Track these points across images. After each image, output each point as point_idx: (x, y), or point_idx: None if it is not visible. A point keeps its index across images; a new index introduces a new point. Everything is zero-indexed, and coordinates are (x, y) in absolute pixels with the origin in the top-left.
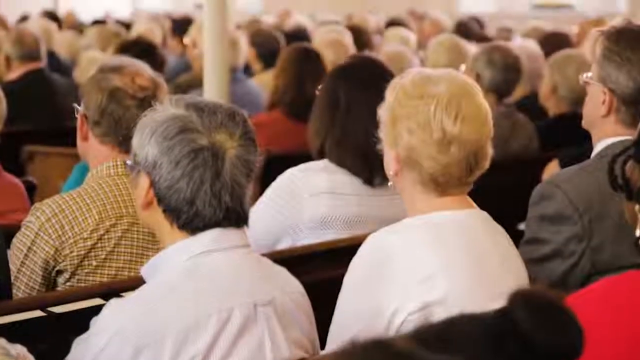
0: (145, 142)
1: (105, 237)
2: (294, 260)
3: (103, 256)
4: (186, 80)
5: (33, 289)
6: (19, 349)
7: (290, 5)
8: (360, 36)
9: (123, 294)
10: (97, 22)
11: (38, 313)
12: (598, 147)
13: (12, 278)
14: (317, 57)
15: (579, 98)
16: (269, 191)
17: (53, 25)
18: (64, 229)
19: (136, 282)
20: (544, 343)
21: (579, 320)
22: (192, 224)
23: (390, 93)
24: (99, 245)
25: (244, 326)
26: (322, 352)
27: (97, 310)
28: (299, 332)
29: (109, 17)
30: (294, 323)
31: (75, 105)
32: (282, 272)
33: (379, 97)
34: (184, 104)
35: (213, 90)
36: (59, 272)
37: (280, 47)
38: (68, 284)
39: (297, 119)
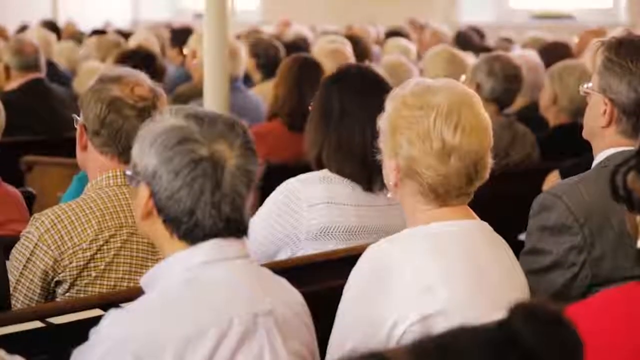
0: (145, 152)
1: (105, 247)
2: (294, 271)
3: (102, 267)
4: (186, 90)
5: (32, 299)
6: None
7: (290, 16)
8: (360, 46)
9: (122, 304)
10: (96, 32)
11: (37, 324)
12: (599, 158)
13: (11, 289)
14: (317, 67)
15: (579, 108)
16: (268, 202)
17: (52, 36)
18: (63, 240)
19: (135, 293)
20: (544, 356)
21: (579, 333)
22: (191, 234)
23: (389, 103)
24: (99, 255)
25: (244, 336)
26: None
27: (96, 320)
28: (299, 342)
29: (109, 27)
30: (294, 333)
31: (75, 115)
32: (282, 282)
33: (373, 103)
34: (184, 114)
35: (213, 101)
36: (58, 283)
37: (280, 58)
38: (67, 294)
39: (297, 129)
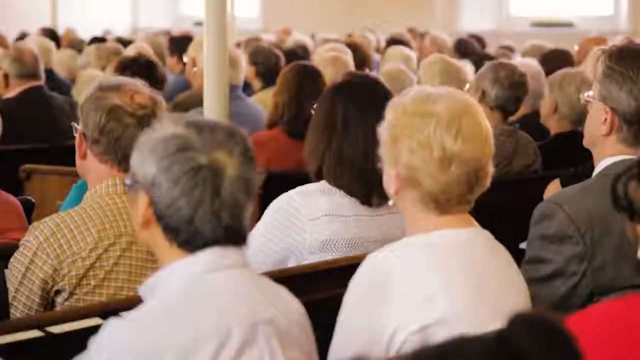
0: (144, 160)
1: (104, 256)
2: (294, 280)
3: (102, 275)
4: (186, 98)
5: (31, 308)
6: None
7: (290, 24)
8: (360, 54)
9: (122, 313)
10: (95, 40)
11: (36, 333)
12: (600, 166)
13: (10, 298)
14: (317, 75)
15: (580, 116)
16: (267, 216)
17: (52, 44)
18: (62, 249)
19: (135, 302)
20: None
21: (579, 343)
22: (191, 243)
23: (390, 111)
24: (98, 264)
25: (244, 345)
26: None
27: (95, 330)
28: (299, 351)
29: (108, 35)
30: (294, 342)
31: (74, 124)
32: (282, 291)
33: (377, 117)
34: (183, 123)
35: (213, 109)
36: (58, 292)
37: (281, 66)
38: (66, 303)
39: (297, 137)
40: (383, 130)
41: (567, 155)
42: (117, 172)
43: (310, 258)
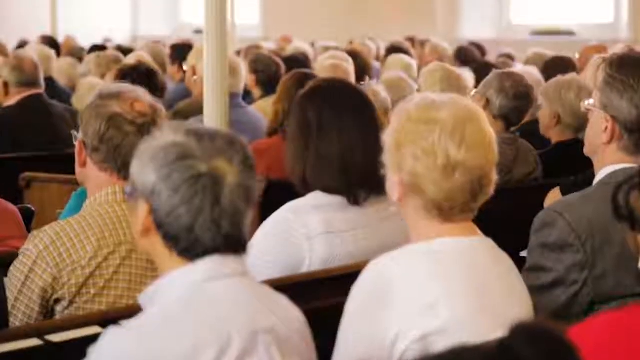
0: (144, 168)
1: (104, 264)
2: (294, 288)
3: (102, 284)
4: (186, 106)
5: (30, 317)
6: None
7: (290, 31)
8: (361, 62)
9: (121, 322)
10: (95, 48)
11: (36, 342)
12: (600, 175)
13: (10, 306)
14: None
15: (583, 123)
16: (263, 240)
17: (52, 51)
18: (62, 257)
19: (134, 310)
20: None
21: (580, 354)
22: (191, 251)
23: (394, 118)
24: (98, 273)
25: (244, 354)
26: None
27: (95, 338)
28: (299, 359)
29: (108, 43)
30: (293, 351)
31: (74, 131)
32: (282, 299)
33: (351, 115)
34: (183, 131)
35: (213, 117)
36: (57, 301)
37: (281, 74)
38: (66, 312)
39: None
40: (387, 136)
41: (568, 163)
42: (116, 180)
43: None
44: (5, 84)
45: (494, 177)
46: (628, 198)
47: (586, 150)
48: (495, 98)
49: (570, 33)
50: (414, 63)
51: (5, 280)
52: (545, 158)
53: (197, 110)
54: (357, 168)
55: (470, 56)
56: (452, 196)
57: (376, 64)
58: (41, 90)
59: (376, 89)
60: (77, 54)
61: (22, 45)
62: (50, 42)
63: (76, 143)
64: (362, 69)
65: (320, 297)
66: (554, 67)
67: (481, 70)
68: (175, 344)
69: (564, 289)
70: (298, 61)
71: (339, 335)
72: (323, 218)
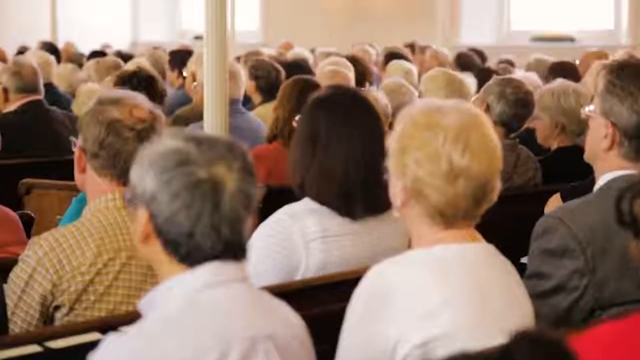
0: (144, 174)
1: (104, 271)
2: (294, 294)
3: (101, 290)
4: (185, 112)
5: (30, 324)
6: None
7: (290, 37)
8: (360, 68)
9: (121, 328)
10: (95, 54)
11: (35, 348)
12: (601, 181)
13: (9, 313)
14: (318, 89)
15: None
16: (260, 244)
17: (52, 57)
18: (61, 264)
19: (134, 317)
20: None
21: None
22: (190, 257)
23: (399, 123)
24: (97, 279)
25: None
26: None
27: (95, 345)
28: None
29: (107, 48)
30: (293, 357)
31: (72, 138)
32: (282, 306)
33: (360, 129)
34: (183, 137)
35: (213, 123)
36: (57, 307)
37: (281, 80)
38: (66, 318)
39: None
40: (391, 141)
41: (568, 169)
42: (116, 186)
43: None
44: (5, 90)
45: (498, 184)
46: (632, 205)
47: (586, 157)
48: (495, 104)
49: (570, 39)
50: (414, 69)
51: (5, 286)
52: (545, 164)
53: (197, 116)
54: (357, 185)
55: (469, 62)
56: (455, 203)
57: (375, 70)
58: (41, 96)
59: (376, 95)
60: (78, 60)
61: (22, 51)
62: (50, 48)
63: (75, 149)
64: (362, 75)
65: (320, 303)
66: (559, 71)
67: (481, 76)
68: (175, 350)
69: (564, 295)
70: (298, 67)
71: (340, 340)
72: (320, 222)
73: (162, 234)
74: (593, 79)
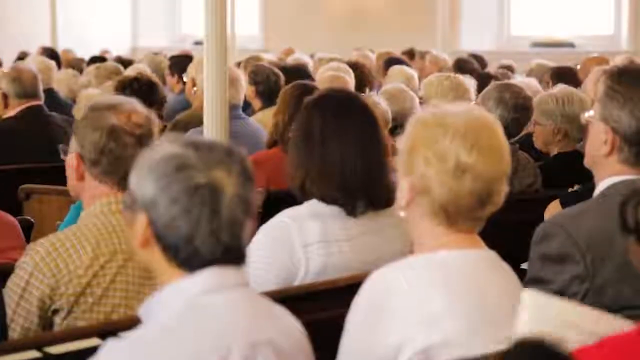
0: (143, 180)
1: (100, 273)
2: (294, 300)
3: (99, 293)
4: (185, 118)
5: (29, 329)
6: None
7: (290, 42)
8: (360, 74)
9: (120, 334)
10: (94, 59)
11: (34, 354)
12: (601, 187)
13: (8, 320)
14: None
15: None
16: (260, 245)
17: (52, 62)
18: (58, 267)
19: (133, 322)
20: None
21: None
22: (190, 262)
23: (409, 125)
24: (95, 282)
25: None
26: None
27: (94, 350)
28: None
29: (106, 53)
30: None
31: (61, 145)
32: (282, 311)
33: (355, 126)
34: (182, 142)
35: (213, 128)
36: (56, 311)
37: (281, 85)
38: (65, 322)
39: None
40: (401, 141)
41: (568, 174)
42: (116, 191)
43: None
44: (5, 96)
45: (504, 187)
46: (636, 212)
47: (586, 162)
48: (494, 109)
49: (570, 45)
50: (415, 74)
51: (3, 291)
52: (545, 169)
53: (196, 121)
54: (357, 180)
55: (469, 67)
56: (459, 199)
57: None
58: (40, 101)
59: (376, 100)
60: (77, 66)
61: (22, 57)
62: (51, 53)
63: (68, 157)
64: (363, 81)
65: (320, 308)
66: (562, 76)
67: (480, 81)
68: (175, 355)
69: None
70: (298, 72)
71: (341, 346)
72: (320, 226)
73: (162, 239)
74: (593, 85)
